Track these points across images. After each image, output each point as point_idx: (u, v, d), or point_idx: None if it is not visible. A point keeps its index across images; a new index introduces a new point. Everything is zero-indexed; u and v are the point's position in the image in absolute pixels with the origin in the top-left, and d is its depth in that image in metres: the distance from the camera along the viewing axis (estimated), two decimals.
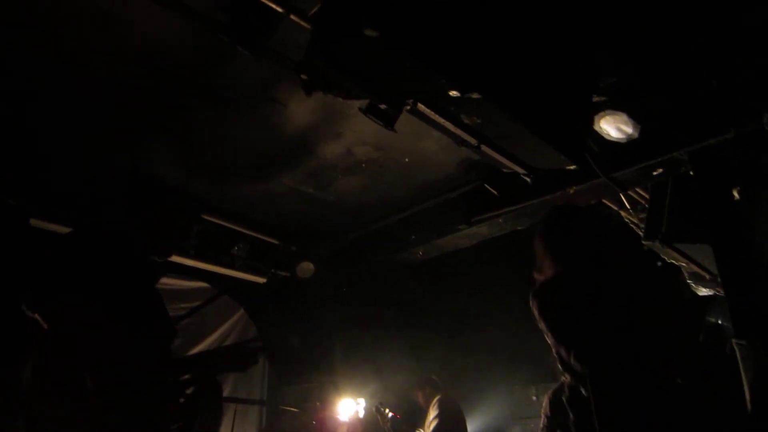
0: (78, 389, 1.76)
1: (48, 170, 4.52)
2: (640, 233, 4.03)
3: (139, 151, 4.34)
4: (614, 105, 3.54)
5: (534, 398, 5.93)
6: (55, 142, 4.19)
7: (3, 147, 4.16)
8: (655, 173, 3.96)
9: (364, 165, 4.57)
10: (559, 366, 2.16)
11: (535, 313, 2.20)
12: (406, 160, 4.49)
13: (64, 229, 4.67)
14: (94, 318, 1.88)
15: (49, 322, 1.87)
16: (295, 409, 5.42)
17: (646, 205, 4.38)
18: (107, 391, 1.82)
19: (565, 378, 2.18)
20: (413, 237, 5.29)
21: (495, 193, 4.44)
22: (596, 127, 3.71)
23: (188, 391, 2.19)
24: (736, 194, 3.49)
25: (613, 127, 3.71)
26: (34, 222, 4.65)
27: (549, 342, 2.16)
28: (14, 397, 1.89)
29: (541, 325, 2.16)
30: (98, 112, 3.84)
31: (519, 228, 4.88)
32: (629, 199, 4.46)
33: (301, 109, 3.88)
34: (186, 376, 2.27)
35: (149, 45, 3.26)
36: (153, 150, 4.34)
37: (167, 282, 5.60)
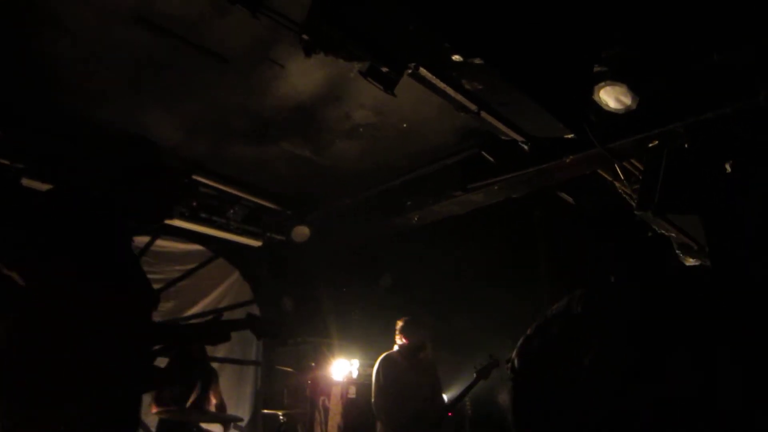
0: (52, 350, 1.77)
1: (40, 130, 4.48)
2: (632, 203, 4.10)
3: (133, 110, 4.30)
4: (615, 76, 3.54)
5: None
6: (47, 101, 4.15)
7: None
8: (650, 145, 4.00)
9: (362, 129, 4.56)
10: None
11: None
12: (404, 125, 4.49)
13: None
14: (69, 278, 1.86)
15: (26, 279, 1.85)
16: (290, 369, 5.53)
17: (640, 177, 4.43)
18: (80, 353, 1.82)
19: None
20: (409, 203, 5.32)
21: (492, 160, 4.46)
22: (595, 97, 3.72)
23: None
24: (728, 168, 3.54)
25: (612, 98, 3.72)
26: (26, 182, 4.62)
27: None
28: None
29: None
30: (91, 70, 3.80)
31: (514, 196, 4.92)
32: (624, 170, 4.50)
33: (299, 71, 3.85)
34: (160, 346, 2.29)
35: (143, 3, 3.21)
36: (147, 110, 4.30)
37: (163, 244, 5.63)
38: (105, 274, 1.97)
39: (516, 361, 2.18)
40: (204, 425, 4.37)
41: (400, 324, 4.89)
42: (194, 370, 4.43)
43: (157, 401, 4.15)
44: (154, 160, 2.33)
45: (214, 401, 4.57)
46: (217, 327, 2.30)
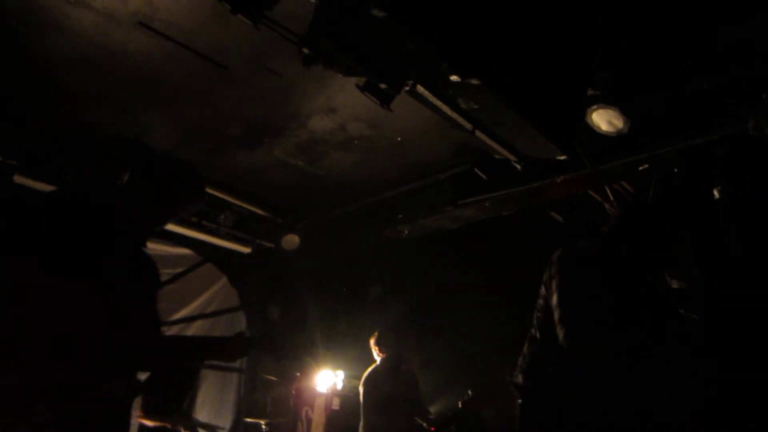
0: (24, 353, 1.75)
1: (35, 128, 4.47)
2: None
3: (129, 114, 4.30)
4: (607, 99, 3.60)
5: (508, 378, 6.07)
6: (43, 100, 4.14)
7: None
8: (641, 168, 4.06)
9: (356, 141, 4.59)
10: None
11: (554, 268, 2.43)
12: (399, 139, 4.52)
13: (48, 187, 4.63)
14: (43, 281, 1.83)
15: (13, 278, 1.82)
16: (274, 378, 5.50)
17: (629, 199, 4.49)
18: (67, 362, 1.80)
19: None
20: (400, 215, 5.34)
21: (484, 177, 4.50)
22: (588, 120, 3.78)
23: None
24: (716, 193, 3.61)
25: (604, 121, 3.78)
26: (18, 179, 4.59)
27: (552, 298, 2.34)
28: None
29: (553, 282, 2.36)
30: (89, 73, 3.80)
31: (504, 213, 4.96)
32: (614, 191, 4.55)
33: (296, 82, 3.88)
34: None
35: (144, 8, 3.22)
36: (143, 114, 4.31)
37: (152, 247, 5.56)
38: (96, 284, 1.93)
39: (521, 377, 2.25)
40: None
41: (372, 340, 4.91)
42: (181, 377, 4.41)
43: (143, 408, 4.12)
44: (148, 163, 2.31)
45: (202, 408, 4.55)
46: (238, 344, 2.23)
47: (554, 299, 2.31)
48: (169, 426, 3.97)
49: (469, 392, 4.94)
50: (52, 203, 2.07)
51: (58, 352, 1.79)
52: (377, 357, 4.83)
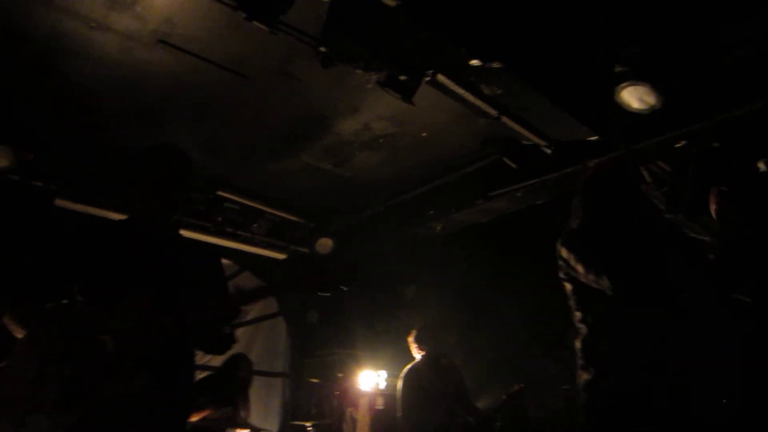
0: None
1: (70, 152, 4.59)
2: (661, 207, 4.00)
3: (159, 130, 4.37)
4: (637, 75, 3.48)
5: (552, 372, 5.95)
6: (75, 124, 4.25)
7: (25, 128, 4.24)
8: (677, 145, 3.91)
9: (381, 140, 4.57)
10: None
11: (564, 252, 2.32)
12: (424, 134, 4.48)
13: (88, 209, 4.76)
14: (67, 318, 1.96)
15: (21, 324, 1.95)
16: (317, 381, 5.52)
17: (668, 179, 4.34)
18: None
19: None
20: (431, 212, 5.29)
21: (513, 166, 4.41)
22: (617, 99, 3.65)
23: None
24: (762, 166, 3.44)
25: (635, 98, 3.65)
26: (59, 202, 4.73)
27: (578, 273, 2.25)
28: None
29: (571, 261, 2.27)
30: (116, 94, 3.88)
31: (537, 202, 4.86)
32: (650, 172, 4.41)
33: (318, 85, 3.88)
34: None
35: (163, 26, 3.27)
36: (171, 129, 4.37)
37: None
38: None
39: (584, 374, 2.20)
40: None
41: (411, 337, 4.87)
42: (235, 381, 4.50)
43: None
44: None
45: (243, 413, 4.60)
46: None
47: (580, 269, 2.24)
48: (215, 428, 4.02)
49: (515, 385, 4.86)
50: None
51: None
52: (416, 354, 4.79)
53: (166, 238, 2.27)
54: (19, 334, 1.94)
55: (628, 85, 3.57)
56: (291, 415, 6.01)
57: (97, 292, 2.02)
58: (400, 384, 4.70)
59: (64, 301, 2.05)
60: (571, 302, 2.37)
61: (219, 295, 2.26)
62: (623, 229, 2.29)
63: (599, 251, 2.23)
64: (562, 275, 2.40)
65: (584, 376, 2.21)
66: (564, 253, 2.34)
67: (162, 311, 1.98)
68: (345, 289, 2.35)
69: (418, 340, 4.80)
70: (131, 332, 1.92)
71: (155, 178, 2.19)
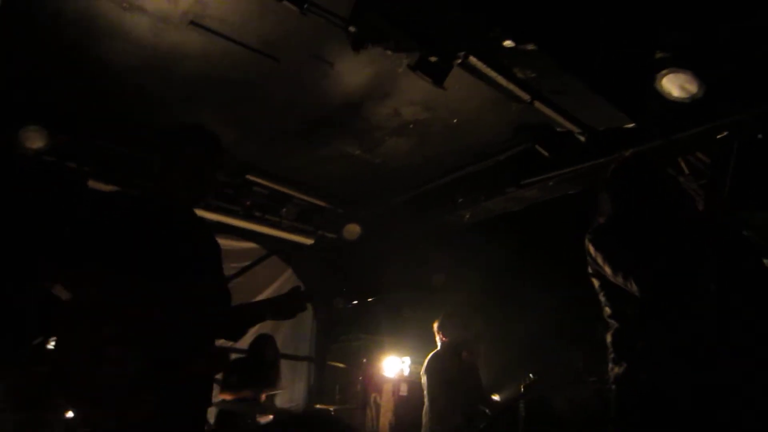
0: (105, 354, 1.79)
1: (103, 134, 4.66)
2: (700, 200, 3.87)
3: (189, 113, 4.40)
4: (678, 62, 3.35)
5: (579, 364, 5.86)
6: (108, 107, 4.30)
7: (59, 110, 4.31)
8: (719, 136, 3.77)
9: (411, 126, 4.52)
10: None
11: (591, 249, 2.27)
12: (455, 121, 4.41)
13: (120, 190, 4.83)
14: (116, 283, 1.92)
15: (72, 290, 1.92)
16: (342, 365, 5.55)
17: (707, 171, 4.19)
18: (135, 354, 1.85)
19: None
20: (460, 199, 5.23)
21: (546, 154, 4.31)
22: (657, 86, 3.53)
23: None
24: None
25: (675, 86, 3.52)
26: (92, 183, 4.81)
27: (606, 273, 2.21)
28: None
29: (598, 259, 2.22)
30: (148, 75, 3.91)
31: (570, 191, 4.76)
32: (689, 163, 4.26)
33: (348, 69, 3.84)
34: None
35: (194, 7, 3.27)
36: (202, 112, 4.39)
37: (219, 242, 5.75)
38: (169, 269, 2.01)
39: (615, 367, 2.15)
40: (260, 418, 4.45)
41: (436, 324, 4.85)
42: (267, 366, 4.55)
43: (222, 386, 4.29)
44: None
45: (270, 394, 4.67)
46: (295, 299, 2.26)
47: (608, 270, 2.18)
48: (242, 410, 4.08)
49: (531, 375, 4.80)
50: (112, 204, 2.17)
51: (154, 339, 1.88)
52: (439, 342, 4.77)
53: (193, 221, 2.28)
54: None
55: (669, 73, 3.45)
56: (315, 398, 6.07)
57: (125, 265, 1.98)
58: (423, 372, 4.70)
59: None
60: (601, 297, 2.32)
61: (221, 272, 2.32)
62: (654, 224, 2.23)
63: (627, 251, 2.17)
64: (590, 271, 2.35)
65: (616, 370, 2.16)
66: (591, 250, 2.29)
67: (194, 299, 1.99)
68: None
69: (441, 328, 4.78)
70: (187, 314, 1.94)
71: (189, 157, 2.19)
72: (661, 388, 2.03)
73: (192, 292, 2.02)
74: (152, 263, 1.99)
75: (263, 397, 4.54)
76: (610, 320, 2.27)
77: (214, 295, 2.15)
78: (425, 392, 4.63)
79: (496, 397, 5.19)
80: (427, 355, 4.79)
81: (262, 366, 4.67)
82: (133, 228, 2.02)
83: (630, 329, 2.16)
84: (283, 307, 2.26)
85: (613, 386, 2.17)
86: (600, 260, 2.22)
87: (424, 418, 4.64)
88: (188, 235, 2.20)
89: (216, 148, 2.27)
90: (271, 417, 4.43)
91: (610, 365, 2.21)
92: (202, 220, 2.44)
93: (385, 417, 5.43)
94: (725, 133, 3.73)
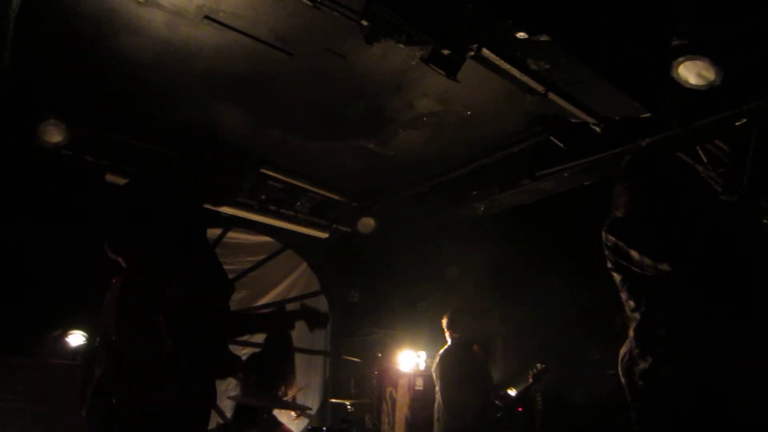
0: (153, 326, 1.85)
1: (120, 128, 4.71)
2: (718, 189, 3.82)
3: (205, 107, 4.43)
4: (695, 49, 3.30)
5: (597, 357, 5.83)
6: (125, 101, 4.35)
7: (77, 104, 4.36)
8: (737, 124, 3.70)
9: (425, 119, 4.51)
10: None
11: (611, 240, 2.25)
12: (468, 113, 4.39)
13: None
14: (164, 261, 1.97)
15: (129, 262, 1.98)
16: (357, 360, 5.56)
17: (726, 159, 4.13)
18: (177, 330, 1.90)
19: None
20: (475, 192, 5.21)
21: (561, 145, 4.28)
22: (674, 74, 3.48)
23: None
24: None
25: (692, 74, 3.47)
26: (109, 177, 4.86)
27: (633, 259, 2.17)
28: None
29: (621, 247, 2.20)
30: (163, 69, 3.94)
31: (586, 183, 4.72)
32: (707, 152, 4.20)
33: (361, 63, 3.84)
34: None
35: (209, 1, 3.29)
36: (217, 106, 4.43)
37: (234, 236, 5.80)
38: (184, 264, 2.04)
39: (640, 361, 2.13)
40: (276, 413, 4.47)
41: (444, 320, 4.84)
42: (283, 360, 4.56)
43: (243, 388, 4.31)
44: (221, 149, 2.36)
45: (290, 393, 4.67)
46: (284, 317, 2.32)
47: (635, 254, 2.15)
48: (258, 405, 4.09)
49: (538, 365, 4.79)
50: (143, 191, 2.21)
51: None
52: (449, 338, 4.77)
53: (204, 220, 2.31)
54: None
55: (686, 60, 3.39)
56: (331, 392, 6.10)
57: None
58: (434, 368, 4.71)
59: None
60: (623, 293, 2.28)
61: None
62: (676, 213, 2.19)
63: (653, 236, 2.13)
64: (609, 265, 2.31)
65: (641, 366, 2.12)
66: (611, 240, 2.26)
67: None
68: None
69: (451, 325, 4.77)
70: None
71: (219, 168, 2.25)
72: (683, 384, 2.00)
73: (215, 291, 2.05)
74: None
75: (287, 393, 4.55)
76: (633, 314, 2.24)
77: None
78: (437, 388, 4.64)
79: (512, 391, 5.19)
80: (439, 350, 4.80)
81: (281, 363, 4.66)
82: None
83: (653, 323, 2.13)
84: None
85: (640, 382, 2.14)
86: (623, 247, 2.19)
87: (437, 414, 4.66)
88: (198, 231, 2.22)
89: (239, 159, 2.30)
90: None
91: (636, 360, 2.17)
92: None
93: (401, 411, 5.44)
94: (744, 120, 3.67)
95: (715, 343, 2.00)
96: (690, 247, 2.04)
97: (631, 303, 2.24)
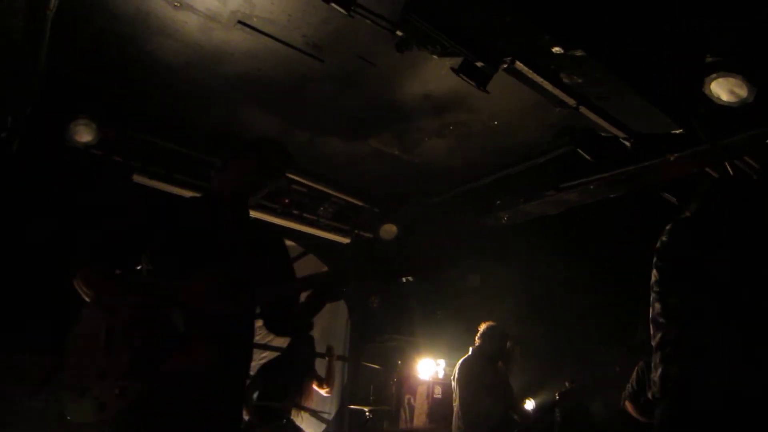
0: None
1: (150, 130, 4.77)
2: None
3: (234, 111, 4.49)
4: (728, 66, 3.27)
5: (617, 369, 5.78)
6: (156, 103, 4.41)
7: (108, 104, 4.43)
8: None
9: (451, 127, 4.51)
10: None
11: (669, 235, 2.25)
12: (495, 123, 4.39)
13: (164, 186, 4.93)
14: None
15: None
16: (377, 366, 5.56)
17: (754, 176, 4.08)
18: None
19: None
20: (499, 202, 5.20)
21: (588, 158, 4.25)
22: (705, 90, 3.45)
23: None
24: None
25: (725, 90, 3.44)
26: (137, 178, 4.92)
27: (688, 255, 2.19)
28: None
29: (684, 244, 2.22)
30: (195, 75, 4.00)
31: (611, 196, 4.68)
32: (736, 169, 4.15)
33: (390, 70, 3.86)
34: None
35: (243, 7, 3.33)
36: (246, 110, 4.48)
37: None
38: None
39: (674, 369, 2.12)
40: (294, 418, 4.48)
41: (483, 327, 4.86)
42: (302, 364, 4.58)
43: (260, 392, 4.32)
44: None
45: (310, 397, 4.69)
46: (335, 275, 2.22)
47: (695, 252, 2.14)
48: (278, 407, 4.12)
49: (567, 384, 4.76)
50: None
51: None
52: (473, 347, 4.78)
53: (239, 218, 2.31)
54: (88, 298, 1.97)
55: (719, 77, 3.37)
56: (349, 399, 6.10)
57: (166, 263, 2.07)
58: (454, 378, 4.71)
59: (133, 270, 2.11)
60: (654, 292, 2.24)
61: (285, 278, 2.30)
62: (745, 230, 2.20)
63: (721, 241, 2.14)
64: (656, 261, 2.27)
65: (671, 371, 2.10)
66: (669, 236, 2.24)
67: (230, 289, 2.00)
68: (408, 280, 2.32)
69: (484, 335, 4.79)
70: (199, 307, 1.94)
71: (261, 162, 2.25)
72: (711, 392, 1.98)
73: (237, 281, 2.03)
74: (181, 262, 2.05)
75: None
76: (659, 319, 2.18)
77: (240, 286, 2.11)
78: (456, 397, 4.64)
79: (530, 402, 5.16)
80: (460, 359, 4.80)
81: (296, 369, 4.66)
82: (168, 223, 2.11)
83: (685, 328, 2.11)
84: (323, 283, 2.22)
85: (662, 387, 2.12)
86: (688, 244, 2.19)
87: (455, 424, 4.65)
88: (231, 234, 2.22)
89: (286, 154, 2.32)
90: None
91: (664, 366, 2.15)
92: (257, 221, 2.48)
93: (419, 419, 5.44)
94: None
95: (727, 347, 1.99)
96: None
97: (657, 306, 2.21)
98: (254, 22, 3.49)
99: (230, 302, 2.00)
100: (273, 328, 2.35)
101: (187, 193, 4.93)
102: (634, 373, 4.70)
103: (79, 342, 1.88)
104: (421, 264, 2.19)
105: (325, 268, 6.40)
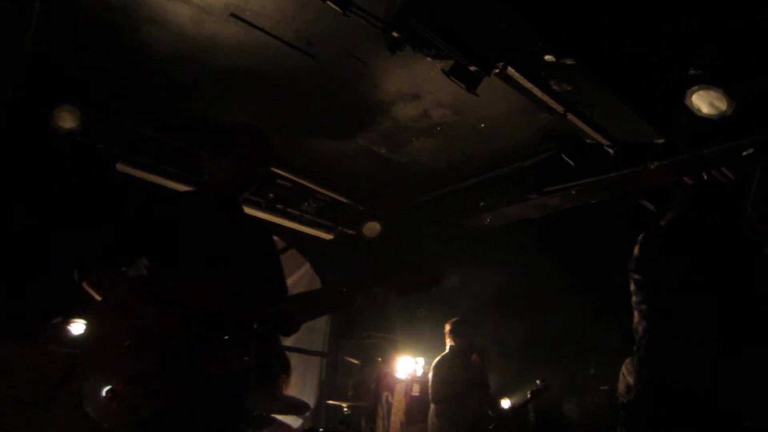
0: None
1: (135, 119, 4.72)
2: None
3: (221, 103, 4.46)
4: (710, 79, 3.37)
5: (592, 371, 5.89)
6: (143, 92, 4.37)
7: (93, 91, 4.38)
8: (744, 153, 3.79)
9: (439, 128, 4.55)
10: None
11: (646, 246, 2.31)
12: (482, 125, 4.45)
13: (147, 176, 4.88)
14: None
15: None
16: (357, 362, 5.58)
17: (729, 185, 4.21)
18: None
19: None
20: (482, 203, 5.27)
21: (571, 163, 4.34)
22: (687, 102, 3.56)
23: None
24: None
25: (705, 103, 3.55)
26: (120, 167, 4.86)
27: (666, 264, 2.24)
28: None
29: (658, 252, 2.27)
30: (184, 66, 3.98)
31: (592, 201, 4.78)
32: (711, 177, 4.28)
33: (381, 69, 3.88)
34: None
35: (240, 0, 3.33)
36: (233, 103, 4.45)
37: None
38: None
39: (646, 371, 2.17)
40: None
41: (448, 326, 4.92)
42: (275, 359, 4.56)
43: None
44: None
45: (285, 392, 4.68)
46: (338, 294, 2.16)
47: (672, 259, 2.20)
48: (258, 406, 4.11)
49: (538, 382, 4.85)
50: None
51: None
52: (448, 345, 4.84)
53: (235, 213, 2.29)
54: (103, 300, 1.93)
55: (700, 89, 3.47)
56: (327, 394, 6.11)
57: (169, 262, 2.04)
58: (431, 374, 4.77)
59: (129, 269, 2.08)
60: (635, 298, 2.31)
61: (278, 276, 2.31)
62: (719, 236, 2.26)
63: (694, 248, 2.20)
64: (631, 267, 2.34)
65: (644, 374, 2.17)
66: (645, 246, 2.30)
67: (243, 291, 2.00)
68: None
69: (453, 332, 4.84)
70: (222, 312, 1.92)
71: (245, 152, 2.21)
72: (684, 393, 2.05)
73: (216, 284, 2.01)
74: (183, 260, 2.03)
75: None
76: (641, 321, 2.24)
77: (247, 286, 2.09)
78: (431, 394, 4.69)
79: (506, 402, 5.24)
80: (437, 357, 4.86)
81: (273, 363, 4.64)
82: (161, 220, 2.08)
83: (662, 332, 2.17)
84: (325, 302, 2.14)
85: (638, 388, 2.19)
86: (661, 251, 2.24)
87: (431, 420, 4.71)
88: (226, 227, 2.21)
89: (265, 145, 2.31)
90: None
91: (638, 368, 2.22)
92: (251, 217, 2.46)
93: (396, 416, 5.48)
94: (751, 150, 3.75)
95: (699, 352, 2.06)
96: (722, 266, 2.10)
97: (644, 307, 2.26)
98: (247, 15, 3.48)
99: (243, 306, 1.99)
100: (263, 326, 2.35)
101: (171, 184, 4.91)
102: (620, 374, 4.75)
103: (98, 346, 1.86)
104: (433, 276, 2.12)
105: (306, 264, 6.41)
